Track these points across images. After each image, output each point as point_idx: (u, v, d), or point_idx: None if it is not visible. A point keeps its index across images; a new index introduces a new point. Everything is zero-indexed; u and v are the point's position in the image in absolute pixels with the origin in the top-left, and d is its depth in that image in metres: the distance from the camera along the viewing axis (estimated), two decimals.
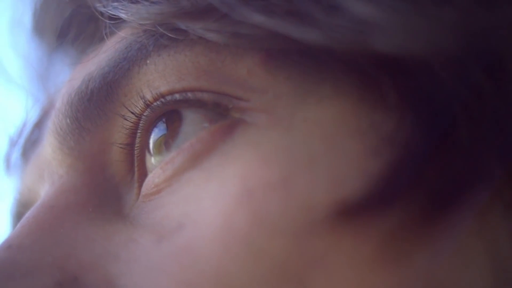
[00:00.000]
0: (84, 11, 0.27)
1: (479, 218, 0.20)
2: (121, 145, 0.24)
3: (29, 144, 0.31)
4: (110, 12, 0.24)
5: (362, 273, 0.19)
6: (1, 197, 0.32)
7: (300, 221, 0.19)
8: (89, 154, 0.24)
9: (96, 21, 0.26)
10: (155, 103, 0.22)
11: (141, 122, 0.23)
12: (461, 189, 0.20)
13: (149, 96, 0.22)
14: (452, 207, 0.19)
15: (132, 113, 0.23)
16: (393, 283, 0.19)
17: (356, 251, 0.19)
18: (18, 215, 0.29)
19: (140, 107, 0.23)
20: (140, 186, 0.23)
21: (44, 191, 0.26)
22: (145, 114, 0.23)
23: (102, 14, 0.24)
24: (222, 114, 0.22)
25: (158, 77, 0.22)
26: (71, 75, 0.26)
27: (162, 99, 0.22)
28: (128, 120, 0.23)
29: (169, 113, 0.23)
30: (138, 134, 0.23)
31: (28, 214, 0.23)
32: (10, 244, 0.21)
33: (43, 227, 0.22)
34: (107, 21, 0.24)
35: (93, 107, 0.24)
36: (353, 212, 0.19)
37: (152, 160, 0.23)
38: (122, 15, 0.23)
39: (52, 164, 0.25)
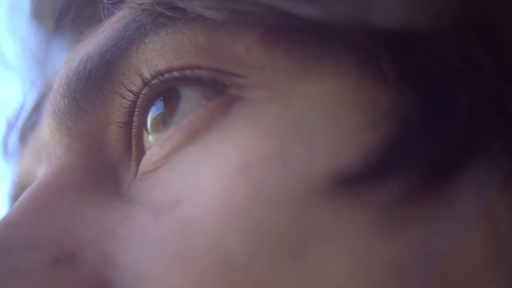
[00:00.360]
0: None
1: (477, 190, 0.20)
2: (119, 124, 0.23)
3: (27, 127, 0.31)
4: None
5: (360, 244, 0.19)
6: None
7: (299, 192, 0.19)
8: (87, 134, 0.24)
9: (94, 2, 0.26)
10: (153, 81, 0.22)
11: (139, 100, 0.23)
12: (459, 161, 0.20)
13: (147, 74, 0.22)
14: (449, 179, 0.19)
15: (130, 91, 0.23)
16: (390, 253, 0.19)
17: (354, 221, 0.19)
18: (16, 198, 0.29)
19: (138, 85, 0.23)
20: (138, 164, 0.23)
21: (41, 172, 0.25)
22: (143, 92, 0.23)
23: None
24: (220, 91, 0.22)
25: (156, 56, 0.22)
26: (69, 56, 0.26)
27: (160, 77, 0.22)
28: (126, 99, 0.23)
29: (167, 91, 0.23)
30: (136, 113, 0.23)
31: (25, 194, 0.23)
32: (7, 222, 0.21)
33: (41, 205, 0.22)
34: (106, 1, 0.24)
35: (91, 87, 0.24)
36: (351, 183, 0.19)
37: (150, 139, 0.23)
38: None
39: (49, 145, 0.25)
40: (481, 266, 0.20)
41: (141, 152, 0.23)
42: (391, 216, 0.19)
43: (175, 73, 0.22)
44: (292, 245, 0.18)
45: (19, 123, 0.31)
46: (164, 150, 0.22)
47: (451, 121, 0.20)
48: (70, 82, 0.24)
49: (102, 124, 0.24)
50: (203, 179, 0.20)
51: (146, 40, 0.23)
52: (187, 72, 0.22)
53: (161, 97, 0.23)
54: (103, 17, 0.25)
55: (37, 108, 0.30)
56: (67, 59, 0.26)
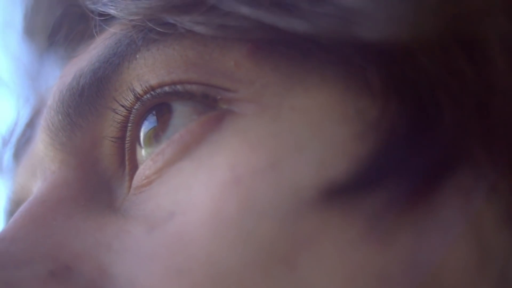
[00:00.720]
0: (74, 10, 0.27)
1: (463, 200, 0.20)
2: (112, 139, 0.24)
3: (21, 143, 0.31)
4: (100, 9, 0.24)
5: (349, 253, 0.19)
6: None
7: (288, 204, 0.19)
8: (81, 149, 0.24)
9: (87, 19, 0.26)
10: (145, 96, 0.23)
11: (132, 115, 0.23)
12: (445, 171, 0.20)
13: (139, 89, 0.23)
14: (436, 189, 0.20)
15: (123, 106, 0.23)
16: (378, 262, 0.19)
17: (343, 232, 0.19)
18: (11, 214, 0.29)
19: (130, 100, 0.23)
20: (131, 179, 0.23)
21: (36, 187, 0.26)
22: (135, 107, 0.23)
23: (92, 11, 0.25)
24: (211, 105, 0.22)
25: (148, 71, 0.23)
26: (62, 72, 0.26)
27: (152, 92, 0.23)
28: (118, 114, 0.23)
29: (159, 106, 0.23)
30: (129, 128, 0.24)
31: (21, 209, 0.23)
32: (3, 237, 0.22)
33: (36, 220, 0.22)
34: (97, 18, 0.25)
35: (84, 102, 0.24)
36: (339, 194, 0.19)
37: (142, 153, 0.23)
38: (112, 11, 0.24)
39: (44, 160, 0.25)
40: (468, 275, 0.20)
41: (134, 166, 0.23)
42: (380, 226, 0.19)
43: (167, 88, 0.22)
44: (283, 256, 0.19)
45: (14, 140, 0.32)
46: (156, 164, 0.22)
47: (437, 132, 0.20)
48: (63, 98, 0.24)
49: (96, 139, 0.24)
50: (195, 193, 0.20)
51: (137, 56, 0.23)
52: (178, 87, 0.22)
53: (154, 112, 0.23)
54: (95, 34, 0.25)
55: (31, 124, 0.31)
56: (60, 75, 0.26)
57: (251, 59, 0.22)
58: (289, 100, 0.21)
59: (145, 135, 0.23)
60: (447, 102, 0.20)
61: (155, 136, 0.23)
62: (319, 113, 0.21)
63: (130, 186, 0.23)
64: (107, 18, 0.24)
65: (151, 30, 0.23)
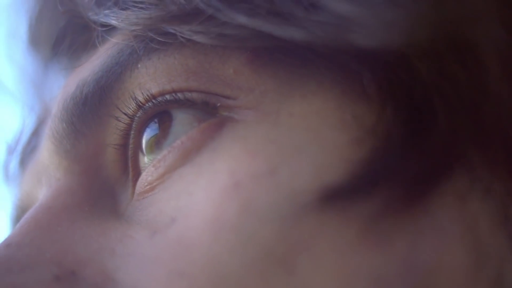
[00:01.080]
0: (77, 21, 0.28)
1: (459, 202, 0.21)
2: (115, 146, 0.24)
3: (27, 151, 0.31)
4: (101, 20, 0.25)
5: (346, 256, 0.19)
6: (0, 205, 0.33)
7: (287, 208, 0.20)
8: (85, 156, 0.25)
9: (89, 30, 0.26)
10: (146, 104, 0.23)
11: (134, 123, 0.24)
12: (441, 175, 0.20)
13: (140, 98, 0.23)
14: (432, 192, 0.20)
15: (125, 114, 0.24)
16: (376, 265, 0.19)
17: (340, 235, 0.19)
18: (17, 220, 0.30)
19: (132, 108, 0.24)
20: (135, 185, 0.24)
21: (42, 194, 0.26)
22: (137, 115, 0.24)
23: (94, 22, 0.25)
24: (211, 112, 0.22)
25: (149, 80, 0.23)
26: (66, 82, 0.27)
27: (154, 100, 0.23)
28: (121, 122, 0.24)
29: (160, 114, 0.24)
30: (131, 135, 0.24)
31: (27, 215, 0.24)
32: (9, 242, 0.22)
33: (41, 226, 0.23)
34: (100, 28, 0.25)
35: (88, 111, 0.24)
36: (337, 198, 0.20)
37: (145, 160, 0.24)
38: (113, 22, 0.24)
39: (49, 168, 0.26)
40: (465, 277, 0.20)
41: (137, 173, 0.24)
42: (377, 229, 0.20)
43: (167, 96, 0.23)
44: (282, 259, 0.19)
45: (19, 148, 0.32)
46: (158, 170, 0.22)
47: (432, 136, 0.20)
48: (67, 107, 0.25)
49: (99, 147, 0.25)
50: (196, 199, 0.21)
51: (139, 65, 0.23)
52: (179, 95, 0.23)
53: (155, 120, 0.24)
54: (98, 44, 0.26)
55: (36, 133, 0.31)
56: (64, 84, 0.27)
57: (250, 67, 0.22)
58: (287, 107, 0.21)
59: (147, 142, 0.24)
60: (441, 106, 0.20)
61: (156, 143, 0.23)
62: (316, 119, 0.21)
63: (133, 192, 0.24)
64: (109, 29, 0.25)
65: (152, 40, 0.23)
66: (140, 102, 0.23)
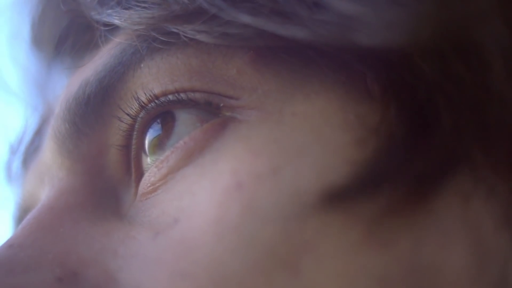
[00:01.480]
0: (80, 20, 0.28)
1: (462, 202, 0.20)
2: (118, 147, 0.24)
3: (29, 151, 0.31)
4: (104, 19, 0.25)
5: (350, 256, 0.19)
6: (2, 205, 0.33)
7: (290, 209, 0.20)
8: (88, 156, 0.25)
9: (92, 29, 0.26)
10: (149, 105, 0.23)
11: (137, 123, 0.24)
12: (444, 175, 0.20)
13: (143, 98, 0.23)
14: (435, 192, 0.20)
15: (128, 114, 0.24)
16: (379, 265, 0.19)
17: (344, 235, 0.19)
18: (20, 220, 0.30)
19: (135, 109, 0.24)
20: (137, 186, 0.24)
21: (44, 194, 0.26)
22: (140, 115, 0.24)
23: (97, 22, 0.25)
24: (214, 113, 0.22)
25: (152, 80, 0.23)
26: (69, 82, 0.27)
27: (156, 101, 0.23)
28: (124, 122, 0.24)
29: (163, 114, 0.23)
30: (134, 136, 0.24)
31: (29, 216, 0.24)
32: (12, 243, 0.22)
33: (44, 226, 0.23)
34: (102, 28, 0.25)
35: (90, 111, 0.24)
36: (340, 198, 0.19)
37: (148, 160, 0.24)
38: (116, 22, 0.24)
39: (52, 168, 0.26)
40: (468, 277, 0.20)
41: (140, 173, 0.24)
42: (380, 229, 0.20)
43: (170, 97, 0.23)
44: (285, 260, 0.19)
45: (22, 148, 0.32)
46: (161, 171, 0.22)
47: (435, 136, 0.20)
48: (70, 106, 0.25)
49: (102, 147, 0.25)
50: (198, 199, 0.21)
51: (142, 65, 0.23)
52: (182, 95, 0.23)
53: (158, 120, 0.24)
54: (100, 44, 0.26)
55: (39, 133, 0.31)
56: (67, 84, 0.27)
57: (253, 66, 0.22)
58: (290, 106, 0.21)
59: (150, 143, 0.24)
60: (445, 106, 0.20)
61: (159, 144, 0.23)
62: (319, 118, 0.21)
63: (136, 193, 0.24)
64: (112, 28, 0.25)
65: (155, 40, 0.23)
66: (143, 102, 0.23)
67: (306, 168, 0.20)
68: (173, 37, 0.23)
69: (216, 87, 0.22)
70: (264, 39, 0.22)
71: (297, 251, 0.19)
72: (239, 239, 0.19)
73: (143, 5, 0.23)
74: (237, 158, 0.21)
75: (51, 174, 0.26)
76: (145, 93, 0.23)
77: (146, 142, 0.24)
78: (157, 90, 0.23)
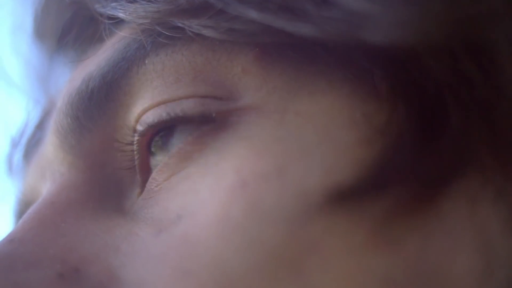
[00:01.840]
0: (84, 13, 0.28)
1: (470, 204, 0.20)
2: (121, 143, 0.24)
3: (31, 145, 0.31)
4: (109, 12, 0.24)
5: (356, 257, 0.19)
6: (3, 198, 0.33)
7: (294, 208, 0.19)
8: (90, 152, 0.24)
9: (96, 22, 0.26)
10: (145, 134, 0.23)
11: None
12: (452, 176, 0.20)
13: (141, 128, 0.23)
14: (443, 193, 0.20)
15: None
16: (385, 267, 0.19)
17: (350, 236, 0.19)
18: (20, 214, 0.30)
19: (131, 137, 0.24)
20: (141, 183, 0.23)
21: (46, 189, 0.26)
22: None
23: (101, 15, 0.25)
24: (217, 113, 0.22)
25: (157, 77, 0.23)
26: (72, 76, 0.27)
27: (152, 130, 0.23)
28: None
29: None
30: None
31: (30, 211, 0.23)
32: (12, 238, 0.22)
33: (45, 222, 0.22)
34: (107, 21, 0.25)
35: (93, 106, 0.24)
36: (346, 198, 0.19)
37: (152, 158, 0.23)
38: (121, 15, 0.24)
39: (53, 162, 0.25)
40: (474, 280, 0.20)
41: (144, 170, 0.24)
42: (386, 230, 0.19)
43: (168, 124, 0.23)
44: (289, 260, 0.19)
45: (23, 141, 0.32)
46: (165, 169, 0.22)
47: (444, 136, 0.20)
48: (73, 101, 0.24)
49: (105, 143, 0.24)
50: (202, 197, 0.20)
51: (146, 61, 0.23)
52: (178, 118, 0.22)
53: None
54: (105, 37, 0.25)
55: (41, 126, 0.31)
56: (70, 78, 0.26)
57: (258, 64, 0.22)
58: (294, 105, 0.21)
59: (154, 140, 0.23)
60: (454, 106, 0.20)
61: (164, 142, 0.23)
62: (325, 117, 0.21)
63: (139, 190, 0.23)
64: (117, 22, 0.24)
65: (160, 34, 0.23)
66: (141, 132, 0.23)
67: (311, 167, 0.20)
68: (179, 32, 0.23)
69: (220, 87, 0.22)
70: (270, 35, 0.21)
71: (302, 251, 0.19)
72: (243, 238, 0.19)
73: None
74: (240, 157, 0.21)
75: (53, 168, 0.25)
76: (141, 126, 0.23)
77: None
78: (152, 119, 0.23)
